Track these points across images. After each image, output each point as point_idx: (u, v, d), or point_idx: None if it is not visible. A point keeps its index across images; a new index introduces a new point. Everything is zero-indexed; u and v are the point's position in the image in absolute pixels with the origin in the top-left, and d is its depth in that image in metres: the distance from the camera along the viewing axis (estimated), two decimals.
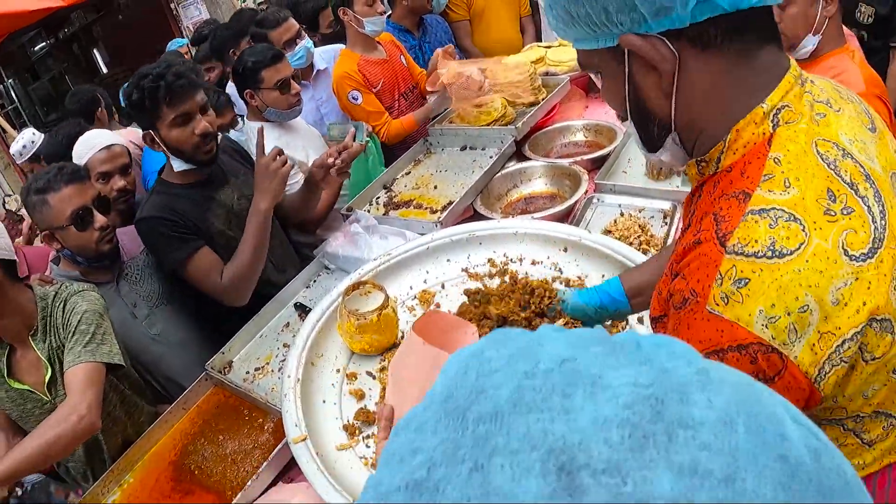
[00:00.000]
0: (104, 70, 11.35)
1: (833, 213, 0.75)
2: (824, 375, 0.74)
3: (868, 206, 0.77)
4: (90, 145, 2.63)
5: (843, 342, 0.73)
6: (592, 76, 0.98)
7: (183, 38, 7.26)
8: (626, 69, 0.86)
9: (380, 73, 3.40)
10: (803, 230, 0.73)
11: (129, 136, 3.43)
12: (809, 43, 2.25)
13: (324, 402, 1.63)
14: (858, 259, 0.73)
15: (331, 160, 2.41)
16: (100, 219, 2.12)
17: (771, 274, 0.72)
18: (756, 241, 0.74)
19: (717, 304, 0.75)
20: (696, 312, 0.78)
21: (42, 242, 2.13)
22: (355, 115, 3.32)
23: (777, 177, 0.77)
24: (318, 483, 1.34)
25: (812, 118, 0.82)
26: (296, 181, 2.85)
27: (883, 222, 0.77)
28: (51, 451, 1.66)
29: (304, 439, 1.44)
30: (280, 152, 2.21)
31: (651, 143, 0.94)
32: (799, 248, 0.73)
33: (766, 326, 0.72)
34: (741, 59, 0.81)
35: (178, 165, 2.24)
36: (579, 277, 1.91)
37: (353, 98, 3.28)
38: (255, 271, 2.27)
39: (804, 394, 0.75)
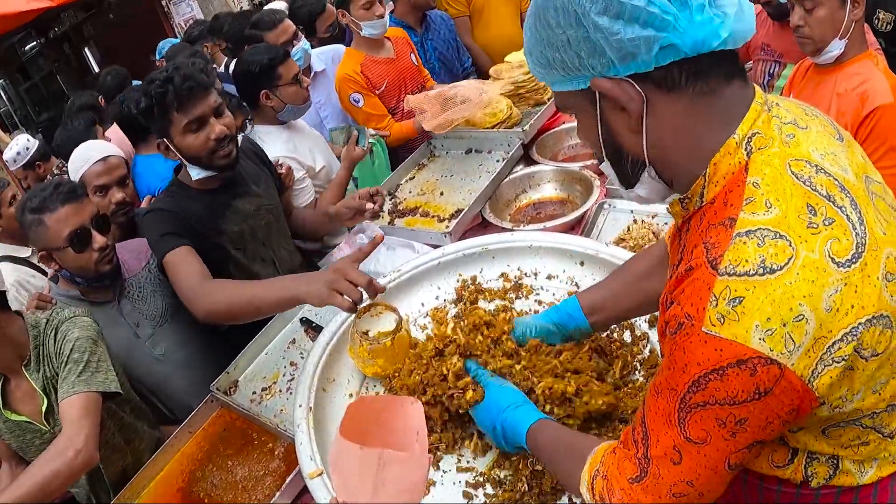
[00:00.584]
0: (96, 69, 11.20)
1: (815, 226, 0.79)
2: (816, 375, 0.78)
3: (847, 215, 0.81)
4: (85, 158, 2.53)
5: (834, 343, 0.77)
6: (569, 116, 1.06)
7: (175, 37, 7.16)
8: (598, 109, 0.93)
9: (384, 73, 3.33)
10: (790, 245, 0.78)
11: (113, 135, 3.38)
12: (836, 47, 2.18)
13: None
14: (844, 265, 0.78)
15: (368, 205, 2.28)
16: (99, 239, 2.04)
17: (764, 290, 0.76)
18: (746, 261, 0.78)
19: (714, 325, 0.78)
20: (691, 336, 0.80)
21: (39, 262, 2.05)
22: (356, 118, 3.25)
23: (758, 199, 0.81)
24: None
25: (783, 141, 0.87)
26: (304, 186, 2.78)
27: (862, 228, 0.81)
28: (49, 487, 1.59)
29: (320, 474, 1.38)
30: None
31: (626, 180, 1.00)
32: (788, 262, 0.77)
33: (764, 340, 0.76)
34: (707, 97, 0.87)
35: (196, 174, 2.12)
36: None
37: (355, 101, 3.20)
38: (241, 318, 1.95)
39: (798, 395, 0.79)
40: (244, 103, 2.82)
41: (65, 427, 1.70)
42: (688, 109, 0.87)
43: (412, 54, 3.49)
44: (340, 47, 3.72)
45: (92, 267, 2.06)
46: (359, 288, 1.53)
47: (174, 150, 2.06)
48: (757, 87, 0.92)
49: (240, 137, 2.35)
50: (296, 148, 2.80)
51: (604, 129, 0.94)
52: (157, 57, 5.29)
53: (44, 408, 1.88)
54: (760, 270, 0.77)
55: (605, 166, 1.01)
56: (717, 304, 0.78)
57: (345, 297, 1.53)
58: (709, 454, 0.84)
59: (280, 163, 2.64)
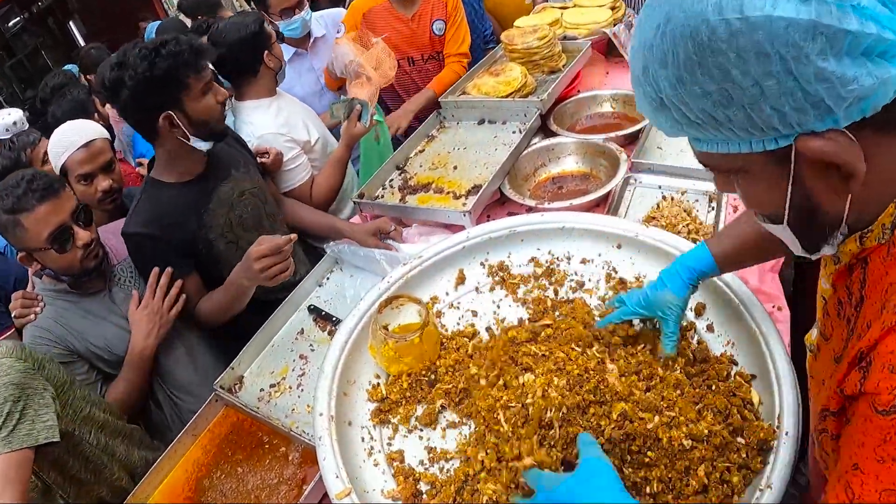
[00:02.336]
0: (82, 43, 10.87)
1: None
2: None
3: None
4: (66, 144, 2.28)
5: None
6: (715, 175, 0.85)
7: (162, 8, 6.86)
8: (791, 172, 0.73)
9: (388, 27, 3.17)
10: None
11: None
12: None
13: (362, 440, 1.41)
14: None
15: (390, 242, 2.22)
16: (82, 235, 1.86)
17: None
18: None
19: None
20: None
21: (18, 261, 1.86)
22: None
23: None
24: None
25: None
26: (299, 164, 2.60)
27: None
28: None
29: (348, 494, 1.22)
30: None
31: (812, 244, 0.82)
32: None
33: None
34: None
35: (201, 145, 2.01)
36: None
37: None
38: (228, 319, 2.14)
39: None
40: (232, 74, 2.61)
41: None
42: (889, 149, 0.70)
43: (438, 21, 3.26)
44: (340, 11, 3.50)
45: (77, 265, 1.89)
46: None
47: (184, 121, 1.92)
48: None
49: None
50: (287, 121, 2.61)
51: (797, 193, 0.75)
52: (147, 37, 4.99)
53: None
54: None
55: (780, 230, 0.82)
56: None
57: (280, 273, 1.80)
58: None
59: (260, 148, 2.47)
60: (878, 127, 0.67)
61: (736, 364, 1.40)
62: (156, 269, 1.99)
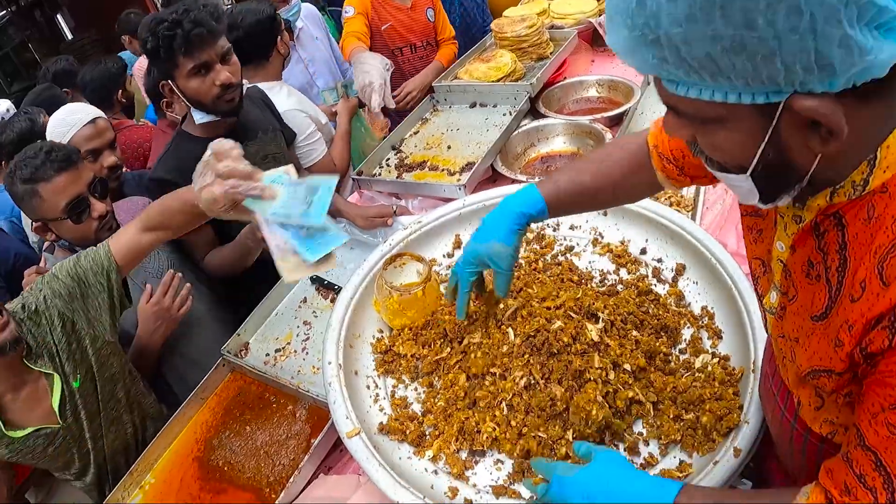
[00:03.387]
0: (69, 36, 10.80)
1: None
2: None
3: None
4: (72, 122, 2.34)
5: None
6: (671, 117, 0.83)
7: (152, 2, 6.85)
8: (773, 125, 0.72)
9: (392, 16, 3.30)
10: None
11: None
12: None
13: (368, 387, 1.50)
14: None
15: (390, 220, 2.27)
16: (98, 206, 1.91)
17: None
18: None
19: None
20: None
21: (33, 232, 1.90)
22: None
23: None
24: (382, 480, 1.22)
25: None
26: (316, 139, 2.68)
27: None
28: None
29: (357, 433, 1.31)
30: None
31: (770, 195, 0.82)
32: None
33: None
34: (884, 93, 0.70)
35: (199, 117, 2.08)
36: (622, 242, 1.79)
37: (346, 11, 3.17)
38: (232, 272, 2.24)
39: None
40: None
41: None
42: (875, 116, 0.73)
43: (430, 9, 3.41)
44: (311, 7, 3.62)
45: (92, 236, 1.93)
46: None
47: (178, 92, 2.01)
48: None
49: (247, 84, 2.29)
50: (300, 101, 2.71)
51: (772, 146, 0.75)
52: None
53: (56, 400, 1.69)
54: None
55: (737, 179, 0.82)
56: None
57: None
58: None
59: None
60: (859, 96, 0.68)
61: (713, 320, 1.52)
62: (170, 271, 2.04)
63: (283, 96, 2.65)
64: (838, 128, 0.68)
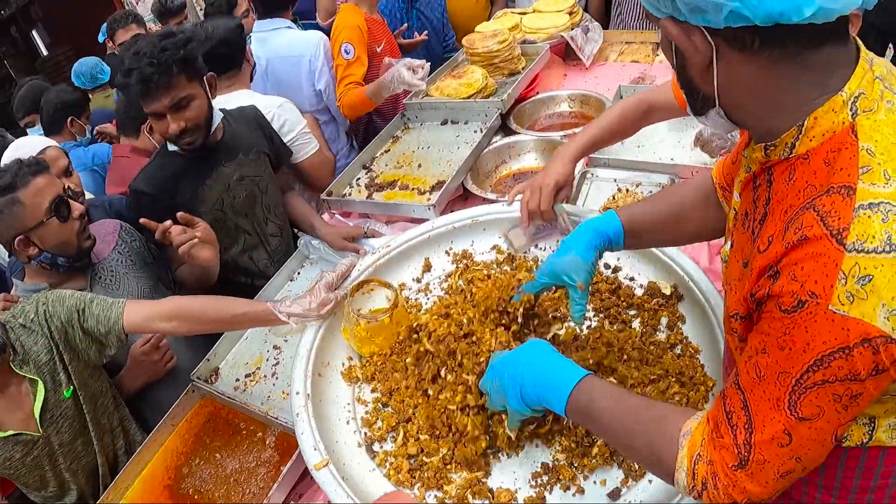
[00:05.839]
0: (44, 52, 10.66)
1: None
2: None
3: None
4: (23, 154, 2.32)
5: None
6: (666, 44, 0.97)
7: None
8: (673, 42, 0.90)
9: (382, 35, 3.31)
10: None
11: None
12: None
13: (339, 419, 1.49)
14: None
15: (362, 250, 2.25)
16: (77, 206, 1.92)
17: (891, 268, 0.73)
18: (873, 237, 0.74)
19: (843, 304, 0.75)
20: (816, 315, 0.77)
21: (17, 249, 1.86)
22: (336, 70, 3.15)
23: (875, 169, 0.77)
24: None
25: (887, 108, 0.82)
26: (308, 132, 2.75)
27: None
28: None
29: (326, 465, 1.30)
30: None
31: (695, 110, 0.98)
32: None
33: (888, 319, 0.74)
34: (789, 60, 0.82)
35: (172, 147, 2.18)
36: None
37: (346, 51, 3.09)
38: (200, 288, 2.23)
39: None
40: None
41: None
42: (765, 72, 0.84)
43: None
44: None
45: (75, 240, 1.92)
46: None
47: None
48: (859, 42, 0.87)
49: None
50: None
51: (678, 62, 0.93)
52: (101, 38, 4.89)
53: (38, 406, 1.70)
54: (887, 248, 0.74)
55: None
56: (846, 283, 0.75)
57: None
58: (820, 428, 0.82)
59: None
60: (727, 41, 0.82)
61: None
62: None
63: (265, 98, 2.70)
64: (690, 56, 0.87)
